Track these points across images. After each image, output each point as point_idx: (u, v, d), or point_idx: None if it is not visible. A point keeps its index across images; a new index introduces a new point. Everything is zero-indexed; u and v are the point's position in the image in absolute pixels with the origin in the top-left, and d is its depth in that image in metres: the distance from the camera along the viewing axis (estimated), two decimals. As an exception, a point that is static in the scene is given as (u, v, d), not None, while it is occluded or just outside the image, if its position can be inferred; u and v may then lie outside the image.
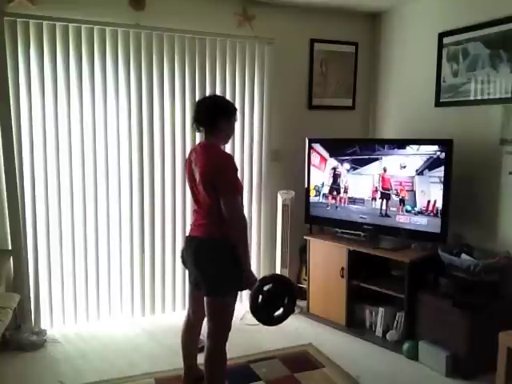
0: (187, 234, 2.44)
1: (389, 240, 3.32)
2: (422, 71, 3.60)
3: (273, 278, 2.35)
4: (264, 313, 2.26)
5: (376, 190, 3.39)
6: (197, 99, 3.50)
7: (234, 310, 2.31)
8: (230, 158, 2.24)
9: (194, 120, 2.36)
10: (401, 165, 3.25)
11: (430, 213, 3.11)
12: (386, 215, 3.35)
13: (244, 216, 2.25)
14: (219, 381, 2.32)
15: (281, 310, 2.30)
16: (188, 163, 2.39)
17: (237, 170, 2.23)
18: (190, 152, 2.43)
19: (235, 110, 2.39)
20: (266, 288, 2.24)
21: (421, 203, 3.16)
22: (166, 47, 3.41)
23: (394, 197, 3.30)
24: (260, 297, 2.23)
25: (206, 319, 2.35)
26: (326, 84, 4.01)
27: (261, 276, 2.33)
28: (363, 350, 3.15)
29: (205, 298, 2.29)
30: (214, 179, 2.17)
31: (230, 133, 2.41)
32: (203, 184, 2.21)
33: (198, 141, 3.59)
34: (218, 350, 2.28)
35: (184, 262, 2.45)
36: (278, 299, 2.29)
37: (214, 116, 2.28)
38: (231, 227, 2.19)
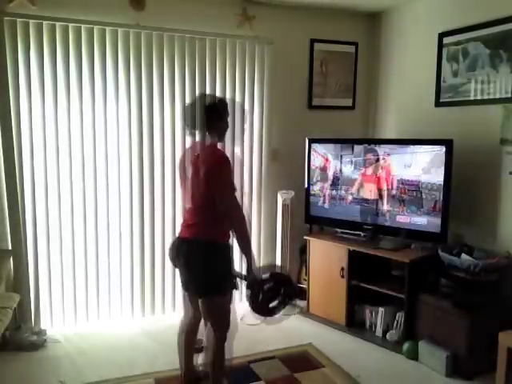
0: (177, 235, 2.42)
1: (389, 240, 3.32)
2: (422, 71, 3.60)
3: (272, 277, 2.39)
4: (263, 306, 2.32)
5: (376, 190, 3.39)
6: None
7: (229, 307, 2.32)
8: (228, 161, 2.26)
9: (184, 124, 2.38)
10: (402, 164, 3.25)
11: (436, 213, 3.10)
12: (385, 215, 3.35)
13: (243, 213, 2.25)
14: (221, 378, 2.37)
15: (277, 300, 2.35)
16: (183, 159, 2.41)
17: (232, 171, 2.29)
18: (187, 150, 2.44)
19: (226, 106, 2.39)
20: (266, 287, 2.31)
21: (426, 203, 3.15)
22: (166, 47, 3.41)
23: (394, 197, 3.30)
24: (260, 295, 2.29)
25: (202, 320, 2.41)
26: (326, 84, 4.01)
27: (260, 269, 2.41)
28: (363, 349, 3.15)
29: (199, 300, 2.31)
30: (212, 179, 2.18)
31: (224, 130, 2.41)
32: (206, 182, 2.21)
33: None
34: (220, 348, 2.31)
35: (174, 262, 2.43)
36: (275, 292, 2.35)
37: (206, 118, 2.29)
38: (233, 225, 2.22)
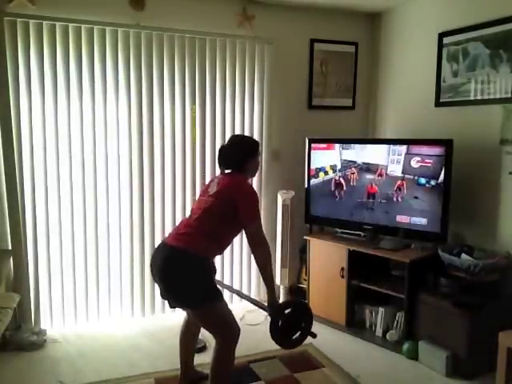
0: (161, 241, 2.38)
1: (389, 240, 3.32)
2: (422, 71, 3.60)
3: (293, 303, 2.51)
4: (282, 335, 2.35)
5: (376, 191, 3.39)
6: (197, 98, 3.55)
7: (225, 310, 2.25)
8: (256, 194, 2.36)
9: (219, 164, 2.44)
10: (402, 165, 3.25)
11: (436, 213, 3.10)
12: (385, 215, 3.35)
13: (269, 249, 2.30)
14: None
15: (298, 333, 2.41)
16: (207, 184, 2.49)
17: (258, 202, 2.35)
18: (212, 179, 2.51)
19: (258, 145, 2.50)
20: (286, 312, 2.36)
21: (426, 203, 3.15)
22: (166, 47, 3.41)
23: (394, 197, 3.30)
24: (279, 321, 2.33)
25: None
26: (326, 84, 4.01)
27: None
28: (363, 349, 3.15)
29: (189, 311, 2.32)
30: (236, 201, 2.23)
31: (255, 169, 2.52)
32: (221, 198, 2.27)
33: (198, 140, 3.60)
34: (224, 353, 2.23)
35: (151, 268, 2.34)
36: (295, 323, 2.41)
37: (241, 160, 2.39)
38: (255, 254, 2.25)
